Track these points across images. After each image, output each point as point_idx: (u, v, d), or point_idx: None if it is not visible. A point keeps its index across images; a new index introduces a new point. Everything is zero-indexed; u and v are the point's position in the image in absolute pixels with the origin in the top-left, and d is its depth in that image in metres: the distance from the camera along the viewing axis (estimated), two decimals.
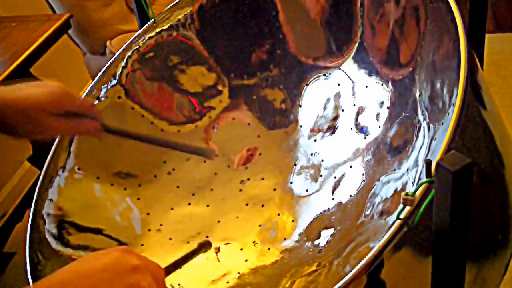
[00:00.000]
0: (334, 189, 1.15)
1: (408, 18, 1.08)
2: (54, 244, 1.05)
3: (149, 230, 1.16)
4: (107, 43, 2.32)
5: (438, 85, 0.96)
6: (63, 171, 1.14)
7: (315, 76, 1.26)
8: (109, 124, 1.03)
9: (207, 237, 1.17)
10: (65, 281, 0.66)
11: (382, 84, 1.14)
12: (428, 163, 0.66)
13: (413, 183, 0.95)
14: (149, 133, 1.24)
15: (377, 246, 0.70)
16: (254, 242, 1.15)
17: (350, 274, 0.70)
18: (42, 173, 1.11)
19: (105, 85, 1.23)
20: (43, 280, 0.66)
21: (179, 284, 1.08)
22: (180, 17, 1.29)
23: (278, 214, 1.18)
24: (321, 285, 0.98)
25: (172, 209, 1.20)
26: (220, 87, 1.30)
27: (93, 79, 1.23)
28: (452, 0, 0.91)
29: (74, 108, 0.96)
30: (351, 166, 1.15)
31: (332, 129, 1.22)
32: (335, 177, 1.16)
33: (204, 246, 1.12)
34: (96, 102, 1.21)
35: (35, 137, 0.96)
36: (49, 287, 0.65)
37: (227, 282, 1.08)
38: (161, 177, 1.23)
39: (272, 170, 1.25)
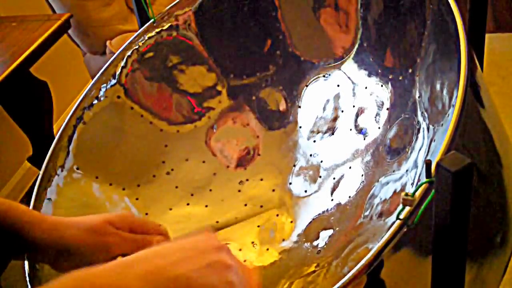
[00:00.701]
0: (333, 190, 1.15)
1: (408, 19, 1.08)
2: None
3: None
4: (107, 43, 2.32)
5: (438, 86, 0.96)
6: (62, 171, 1.13)
7: (315, 77, 1.26)
8: None
9: None
10: (142, 257, 0.61)
11: (382, 85, 1.14)
12: (428, 163, 0.66)
13: (412, 184, 0.95)
14: (148, 133, 1.24)
15: (377, 246, 0.70)
16: (252, 242, 1.15)
17: (350, 274, 0.70)
18: (41, 172, 1.11)
19: (105, 85, 1.23)
20: (120, 261, 0.62)
21: None
22: (180, 17, 1.29)
23: (277, 215, 1.18)
24: (320, 286, 0.98)
25: (170, 209, 1.20)
26: (219, 88, 1.30)
27: (93, 79, 1.23)
28: (452, 1, 0.91)
29: (140, 225, 0.92)
30: (350, 167, 1.15)
31: (331, 130, 1.22)
32: (334, 178, 1.16)
33: None
34: (96, 102, 1.21)
35: (91, 257, 0.87)
36: (130, 263, 0.60)
37: None
38: (160, 177, 1.23)
39: (271, 170, 1.25)
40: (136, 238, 0.89)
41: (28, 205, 1.07)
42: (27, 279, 0.95)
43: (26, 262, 0.97)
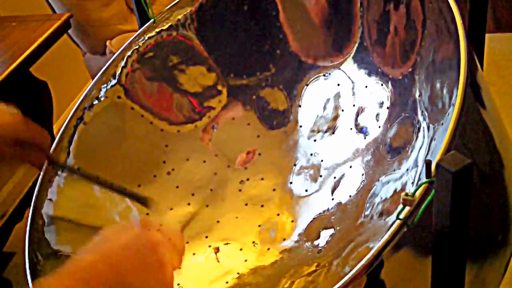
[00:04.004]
0: (333, 189, 1.15)
1: (408, 18, 1.08)
2: (53, 243, 1.05)
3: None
4: (107, 43, 2.32)
5: (438, 85, 0.96)
6: (62, 171, 1.13)
7: (315, 76, 1.26)
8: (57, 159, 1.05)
9: (206, 237, 1.17)
10: (92, 263, 0.65)
11: (382, 84, 1.14)
12: (428, 163, 0.66)
13: (412, 183, 0.95)
14: (149, 133, 1.24)
15: (377, 246, 0.70)
16: (253, 242, 1.15)
17: (350, 274, 0.70)
18: (42, 173, 1.11)
19: (105, 85, 1.23)
20: (67, 266, 0.65)
21: (178, 284, 1.08)
22: (180, 17, 1.29)
23: (278, 214, 1.18)
24: (321, 286, 0.98)
25: (171, 209, 1.20)
26: (219, 87, 1.30)
27: (93, 79, 1.23)
28: (452, 0, 0.91)
29: (27, 138, 0.94)
30: (350, 167, 1.15)
31: (331, 129, 1.22)
32: (334, 177, 1.16)
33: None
34: (96, 102, 1.21)
35: None
36: (77, 273, 0.64)
37: (226, 282, 1.08)
38: (161, 177, 1.23)
39: (271, 170, 1.25)
40: (18, 152, 0.94)
41: (29, 205, 1.08)
42: (29, 279, 0.96)
43: (27, 262, 0.98)
